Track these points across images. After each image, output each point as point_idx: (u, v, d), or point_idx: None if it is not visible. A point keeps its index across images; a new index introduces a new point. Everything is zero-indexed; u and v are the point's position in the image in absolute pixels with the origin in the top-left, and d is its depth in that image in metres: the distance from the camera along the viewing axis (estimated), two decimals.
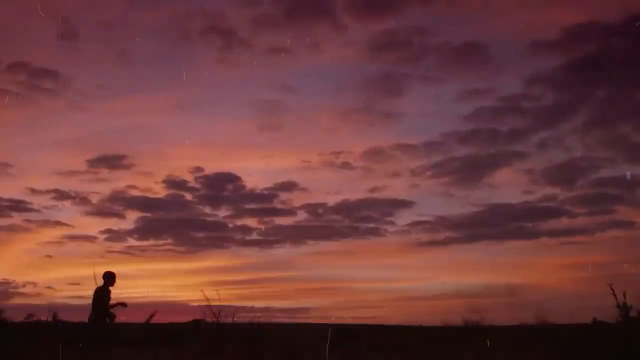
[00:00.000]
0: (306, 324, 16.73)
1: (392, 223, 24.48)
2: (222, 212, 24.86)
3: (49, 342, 8.26)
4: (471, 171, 24.18)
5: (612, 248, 22.37)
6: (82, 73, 25.71)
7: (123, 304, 7.70)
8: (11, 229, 23.23)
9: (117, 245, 24.13)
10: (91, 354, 7.26)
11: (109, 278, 7.68)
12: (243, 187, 25.00)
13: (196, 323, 12.22)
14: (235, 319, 9.26)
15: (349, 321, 16.83)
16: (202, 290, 9.01)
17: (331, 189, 27.80)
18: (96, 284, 7.72)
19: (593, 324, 8.37)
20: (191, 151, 26.89)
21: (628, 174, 21.02)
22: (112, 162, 24.39)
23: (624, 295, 6.60)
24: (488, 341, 8.35)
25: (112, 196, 24.53)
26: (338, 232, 24.96)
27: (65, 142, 25.93)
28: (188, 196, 24.78)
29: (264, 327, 9.59)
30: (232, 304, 10.14)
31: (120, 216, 24.79)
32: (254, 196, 25.02)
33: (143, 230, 24.47)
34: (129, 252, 23.87)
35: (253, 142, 27.32)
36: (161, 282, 22.57)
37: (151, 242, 24.44)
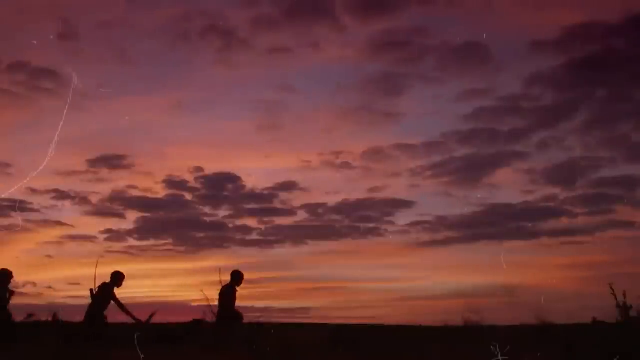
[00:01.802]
0: (306, 324, 16.72)
1: (392, 223, 24.50)
2: (222, 212, 24.90)
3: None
4: (471, 171, 24.20)
5: (612, 248, 22.37)
6: (82, 73, 25.71)
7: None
8: (11, 229, 23.23)
9: (117, 245, 24.13)
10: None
11: (237, 278, 7.56)
12: (243, 187, 25.02)
13: (196, 323, 12.22)
14: None
15: (350, 321, 16.84)
16: (202, 291, 9.01)
17: (331, 189, 27.80)
18: (221, 282, 7.59)
19: (593, 324, 8.37)
20: (191, 151, 26.89)
21: None
22: (112, 162, 24.41)
23: (624, 295, 6.61)
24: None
25: (112, 196, 24.54)
26: (338, 232, 25.00)
27: (65, 142, 25.93)
28: (188, 196, 24.81)
29: (264, 327, 9.58)
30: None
31: (120, 216, 24.82)
32: (254, 196, 25.04)
33: (143, 230, 24.49)
34: (129, 252, 23.88)
35: (253, 142, 27.31)
36: (161, 282, 22.60)
37: (151, 242, 24.47)
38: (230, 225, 24.67)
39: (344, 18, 23.76)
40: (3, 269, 7.62)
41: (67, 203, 24.41)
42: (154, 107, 26.67)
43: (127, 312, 7.73)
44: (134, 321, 7.90)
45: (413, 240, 24.55)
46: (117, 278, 7.94)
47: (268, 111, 26.29)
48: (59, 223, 23.88)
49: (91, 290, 7.76)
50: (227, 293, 7.52)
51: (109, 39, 24.45)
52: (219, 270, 7.87)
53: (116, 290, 8.08)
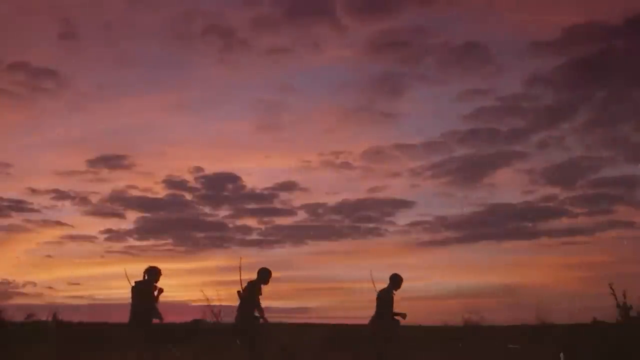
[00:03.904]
0: (306, 324, 16.71)
1: (392, 223, 24.50)
2: (222, 212, 24.90)
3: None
4: (471, 171, 24.19)
5: (612, 248, 22.39)
6: (82, 73, 25.77)
7: (403, 315, 7.35)
8: (11, 229, 23.25)
9: (117, 245, 24.15)
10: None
11: (396, 281, 7.45)
12: (243, 187, 25.02)
13: (196, 323, 12.20)
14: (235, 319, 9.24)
15: (350, 321, 16.83)
16: (202, 291, 8.97)
17: (331, 189, 27.83)
18: (374, 288, 7.45)
19: (593, 324, 8.36)
20: (191, 151, 26.92)
21: None
22: (112, 162, 24.41)
23: (624, 295, 6.60)
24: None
25: (112, 196, 24.54)
26: (338, 232, 24.99)
27: (65, 142, 25.98)
28: (188, 196, 24.81)
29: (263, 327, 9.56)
30: (232, 304, 10.11)
31: (120, 216, 24.82)
32: (254, 196, 25.05)
33: (143, 230, 24.49)
34: (129, 252, 23.90)
35: (253, 142, 27.35)
36: (161, 282, 22.52)
37: (151, 242, 24.48)
38: (230, 225, 24.69)
39: (344, 18, 23.82)
40: (152, 266, 7.35)
41: (67, 203, 24.43)
42: (154, 107, 26.71)
43: (262, 313, 7.41)
44: (265, 321, 7.62)
45: (413, 240, 24.58)
46: (264, 275, 7.47)
47: (268, 111, 26.34)
48: (59, 223, 23.90)
49: (238, 292, 7.38)
50: (386, 296, 7.39)
51: (109, 39, 24.51)
52: (371, 274, 7.73)
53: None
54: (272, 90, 27.35)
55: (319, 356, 8.30)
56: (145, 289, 7.07)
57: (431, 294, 21.62)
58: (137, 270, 7.44)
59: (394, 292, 7.36)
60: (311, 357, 8.02)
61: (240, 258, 7.51)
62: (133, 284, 7.09)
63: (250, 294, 7.17)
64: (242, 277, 7.33)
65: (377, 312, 7.35)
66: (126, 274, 7.21)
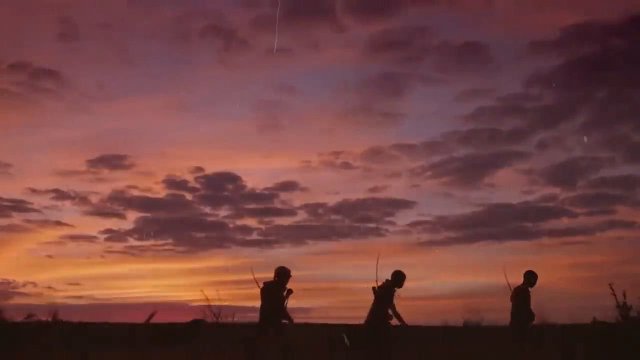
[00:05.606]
0: (306, 324, 16.71)
1: (393, 223, 24.59)
2: (222, 212, 24.94)
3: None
4: (471, 171, 24.27)
5: (612, 248, 22.42)
6: (83, 73, 25.80)
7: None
8: (11, 229, 23.27)
9: (117, 245, 24.23)
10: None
11: (530, 277, 7.33)
12: (243, 187, 25.11)
13: (196, 323, 12.20)
14: (235, 319, 9.26)
15: (351, 322, 16.84)
16: (202, 291, 8.99)
17: (331, 189, 27.92)
18: (509, 287, 7.32)
19: (593, 324, 8.34)
20: (191, 151, 26.94)
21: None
22: (112, 162, 24.49)
23: (624, 295, 6.60)
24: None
25: (112, 196, 24.64)
26: (338, 232, 25.03)
27: (66, 142, 26.01)
28: (188, 196, 24.86)
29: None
30: (232, 304, 10.14)
31: (120, 216, 24.87)
32: (254, 196, 25.14)
33: (143, 231, 24.52)
34: (129, 252, 23.96)
35: (253, 142, 27.43)
36: (161, 282, 22.64)
37: (151, 242, 24.51)
38: (231, 225, 24.76)
39: (344, 19, 23.88)
40: (282, 267, 7.10)
41: (67, 203, 24.53)
42: (154, 107, 26.77)
43: (399, 317, 7.21)
44: (404, 324, 7.39)
45: (413, 240, 24.62)
46: (398, 278, 7.21)
47: (268, 111, 26.41)
48: (59, 223, 23.97)
49: (373, 288, 7.17)
50: (522, 293, 7.34)
51: (110, 39, 24.58)
52: (504, 274, 7.63)
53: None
54: (272, 90, 27.46)
55: (320, 356, 8.30)
56: (275, 290, 6.86)
57: (431, 294, 21.67)
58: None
59: (530, 289, 7.29)
60: (312, 357, 8.02)
61: (378, 254, 7.20)
62: (262, 285, 6.92)
63: (386, 294, 6.98)
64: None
65: (514, 310, 7.29)
66: (252, 272, 6.99)
